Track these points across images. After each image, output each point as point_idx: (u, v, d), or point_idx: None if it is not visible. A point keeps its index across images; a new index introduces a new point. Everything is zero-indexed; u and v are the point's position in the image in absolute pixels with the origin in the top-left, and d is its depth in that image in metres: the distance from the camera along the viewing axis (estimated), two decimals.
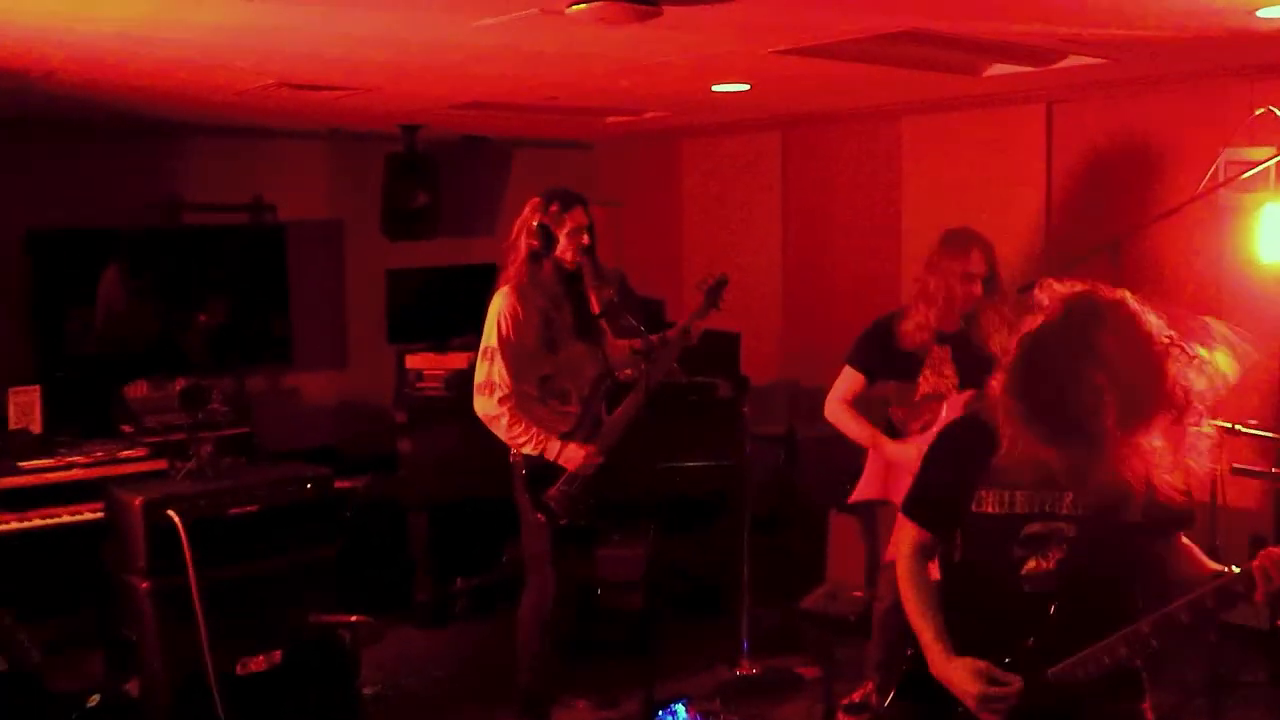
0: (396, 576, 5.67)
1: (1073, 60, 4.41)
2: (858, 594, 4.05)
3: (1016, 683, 2.35)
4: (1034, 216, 5.67)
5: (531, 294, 4.17)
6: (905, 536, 2.61)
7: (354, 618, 4.24)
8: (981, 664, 2.37)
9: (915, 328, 4.13)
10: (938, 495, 2.55)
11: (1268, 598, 2.20)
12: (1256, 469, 3.58)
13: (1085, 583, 2.36)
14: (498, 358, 4.12)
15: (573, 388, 4.29)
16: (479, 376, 4.16)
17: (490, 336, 4.15)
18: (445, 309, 6.59)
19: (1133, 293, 2.32)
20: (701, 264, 7.33)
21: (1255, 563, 2.19)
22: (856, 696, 4.43)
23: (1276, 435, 3.66)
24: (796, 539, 6.06)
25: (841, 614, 4.03)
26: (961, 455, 2.48)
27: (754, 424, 5.66)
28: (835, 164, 6.68)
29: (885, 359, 4.23)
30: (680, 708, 4.61)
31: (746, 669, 5.06)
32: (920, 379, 4.16)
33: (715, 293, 4.38)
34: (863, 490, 4.27)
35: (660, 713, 4.49)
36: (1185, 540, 2.45)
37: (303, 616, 4.12)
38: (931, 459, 2.61)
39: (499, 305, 4.16)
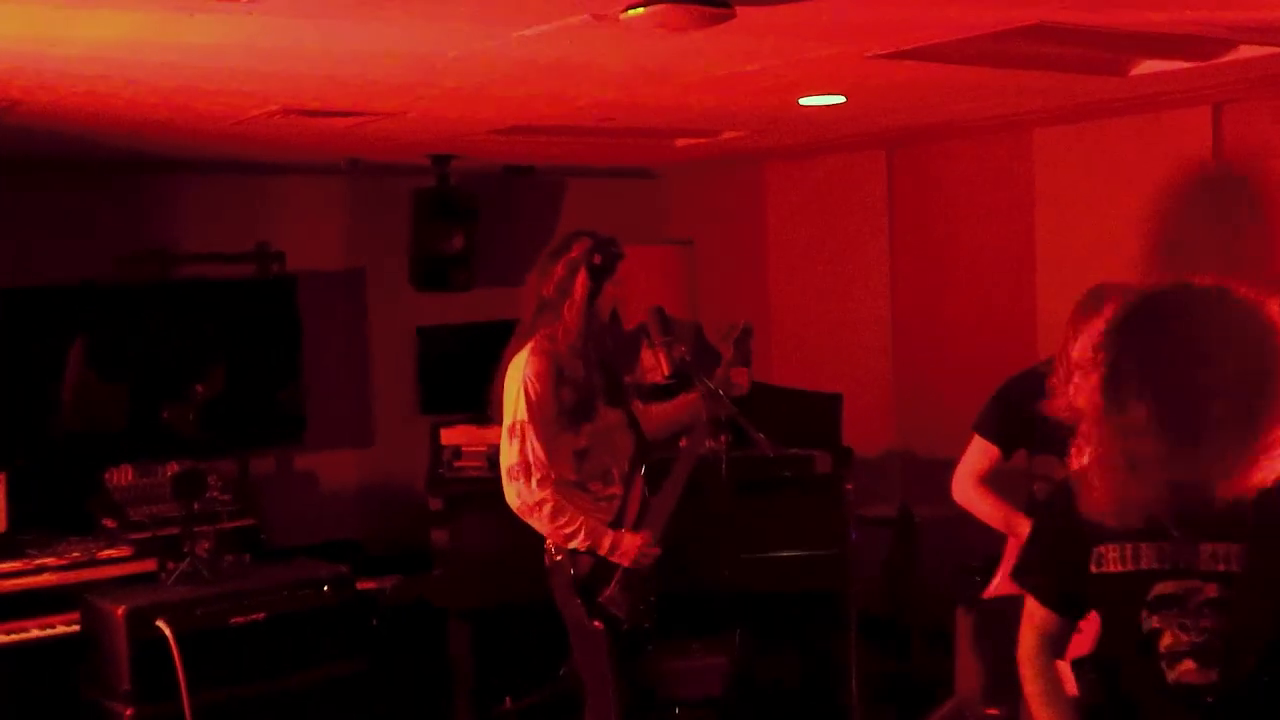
0: (434, 695, 5.67)
1: (1244, 51, 4.35)
2: (992, 711, 3.96)
3: None
4: (1197, 239, 5.58)
5: (564, 355, 4.17)
6: (1026, 624, 2.57)
7: None
8: None
9: (1063, 397, 4.06)
10: (1055, 558, 2.51)
11: None
12: None
13: (1244, 663, 2.27)
14: (529, 433, 4.10)
15: (613, 465, 4.30)
16: (509, 459, 4.14)
17: (519, 409, 4.12)
18: (487, 373, 6.61)
19: None
20: (792, 313, 7.31)
21: None
22: None
23: None
24: (916, 645, 5.97)
25: None
26: (1074, 511, 2.43)
27: (860, 504, 5.60)
28: (952, 187, 6.65)
29: (1025, 427, 4.14)
30: None
31: None
32: (1072, 450, 4.08)
33: (742, 343, 4.39)
34: (1000, 584, 4.19)
35: None
36: None
37: None
38: (1041, 519, 2.61)
39: (525, 369, 4.14)
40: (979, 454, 4.25)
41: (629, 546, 4.16)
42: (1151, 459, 2.22)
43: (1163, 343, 2.23)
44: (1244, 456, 2.18)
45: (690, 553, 4.25)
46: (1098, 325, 3.83)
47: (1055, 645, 2.56)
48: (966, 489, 4.25)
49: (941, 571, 5.87)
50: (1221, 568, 2.31)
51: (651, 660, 4.44)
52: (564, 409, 4.18)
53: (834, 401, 6.15)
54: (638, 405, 4.46)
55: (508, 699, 5.78)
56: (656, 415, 4.47)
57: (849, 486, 5.39)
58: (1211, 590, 2.31)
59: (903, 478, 6.71)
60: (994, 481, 4.24)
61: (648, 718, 4.66)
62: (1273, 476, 2.22)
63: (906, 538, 6.19)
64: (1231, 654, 2.30)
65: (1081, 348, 3.51)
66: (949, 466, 4.34)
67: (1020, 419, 4.15)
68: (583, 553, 4.16)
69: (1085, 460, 2.38)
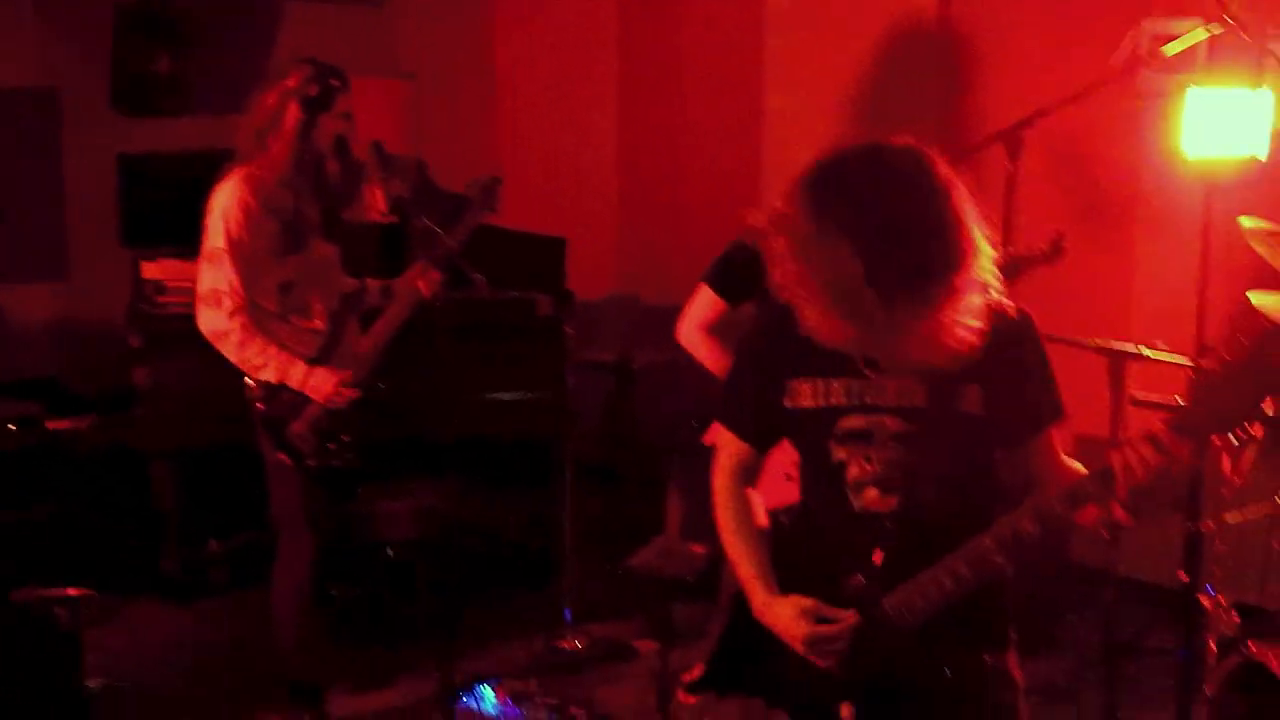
0: (137, 541, 5.50)
1: None
2: (698, 549, 4.04)
3: (849, 620, 2.38)
4: (923, 103, 5.69)
5: (269, 185, 4.06)
6: (721, 454, 2.63)
7: (74, 591, 4.09)
8: (808, 602, 2.41)
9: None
10: (752, 391, 2.56)
11: (1130, 498, 2.23)
12: (1159, 401, 3.63)
13: (923, 493, 2.39)
14: (226, 261, 4.03)
15: (319, 301, 4.19)
16: (203, 285, 4.08)
17: (216, 236, 4.05)
18: (196, 205, 6.31)
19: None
20: (518, 153, 7.20)
21: (1114, 454, 2.22)
22: (699, 671, 4.45)
23: (1187, 360, 3.72)
24: (632, 490, 6.06)
25: (678, 574, 4.02)
26: (771, 348, 2.51)
27: (580, 349, 5.59)
28: (683, 32, 6.60)
29: (751, 283, 4.19)
30: (487, 690, 4.60)
31: (569, 643, 5.08)
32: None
33: (490, 193, 4.32)
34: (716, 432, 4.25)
35: (462, 696, 4.47)
36: (1055, 447, 2.46)
37: (3, 593, 3.93)
38: (740, 355, 2.65)
39: (226, 198, 4.05)
40: (707, 305, 4.28)
41: (323, 383, 4.08)
42: (844, 304, 2.25)
43: (852, 193, 2.25)
44: (931, 300, 2.23)
45: (405, 396, 4.18)
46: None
47: (747, 475, 2.63)
48: (693, 336, 4.29)
49: (659, 418, 5.96)
50: (906, 403, 2.40)
51: (361, 502, 4.40)
52: (268, 240, 4.07)
53: (557, 245, 6.10)
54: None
55: (213, 543, 5.64)
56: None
57: (569, 331, 5.36)
58: (896, 425, 2.40)
59: (624, 324, 6.74)
60: (720, 332, 4.28)
61: (349, 559, 4.63)
62: (965, 318, 2.28)
63: (624, 384, 6.24)
64: (910, 484, 2.40)
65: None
66: (671, 314, 4.35)
67: (749, 273, 4.20)
68: (276, 386, 4.07)
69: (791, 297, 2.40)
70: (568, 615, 5.17)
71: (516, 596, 5.49)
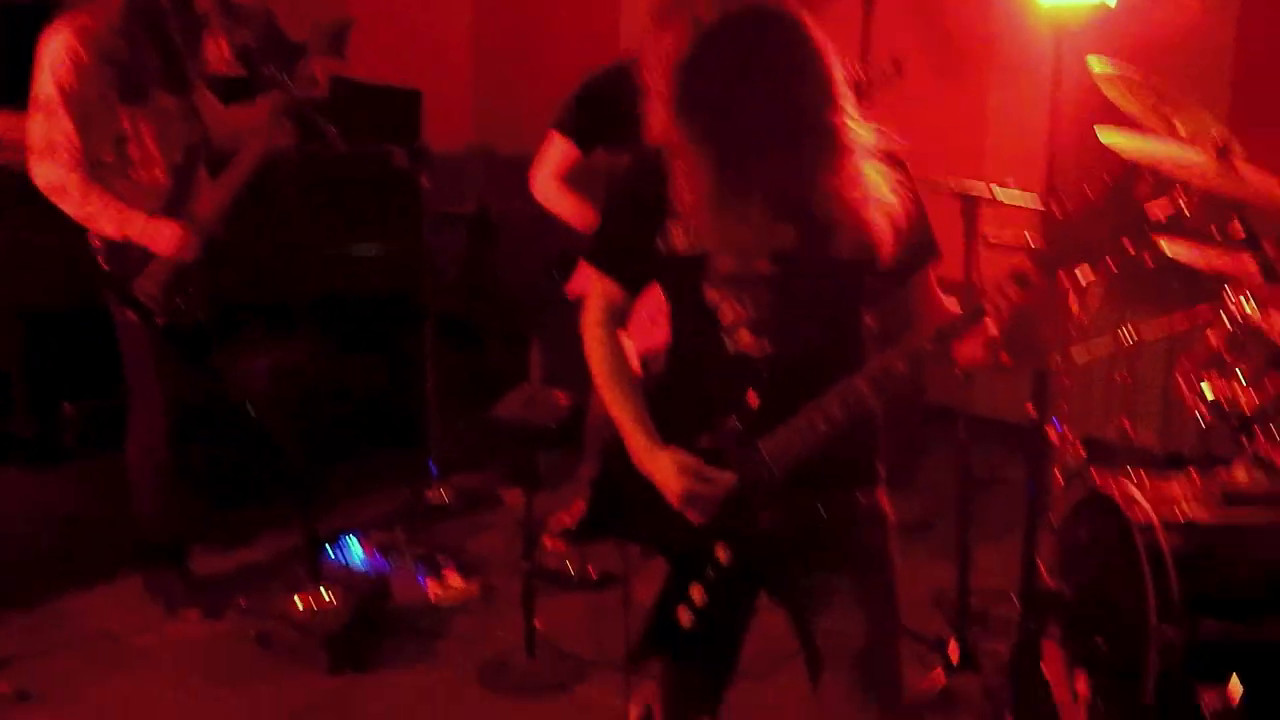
0: None
1: None
2: (561, 397, 4.04)
3: (726, 481, 2.41)
4: None
5: (101, 33, 3.90)
6: (592, 298, 2.61)
7: None
8: (690, 460, 2.41)
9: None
10: (626, 235, 2.54)
11: (1004, 336, 2.28)
12: (1011, 241, 3.70)
13: (795, 335, 2.41)
14: (59, 111, 3.88)
15: (161, 154, 4.05)
16: (35, 136, 3.92)
17: (46, 85, 3.89)
18: (26, 58, 6.03)
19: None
20: (369, 2, 6.98)
21: (983, 292, 2.25)
22: (567, 519, 4.50)
23: (1037, 201, 3.78)
24: (494, 343, 6.04)
25: (542, 422, 4.03)
26: (645, 192, 2.48)
27: (437, 202, 5.51)
28: None
29: (605, 124, 4.12)
30: (353, 541, 4.61)
31: (435, 495, 5.12)
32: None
33: (338, 37, 4.18)
34: (581, 281, 4.23)
35: (328, 550, 4.48)
36: (932, 286, 2.50)
37: None
38: (613, 199, 2.64)
39: (54, 47, 3.89)
40: (558, 152, 4.22)
41: (166, 235, 3.96)
42: (731, 170, 2.27)
43: (732, 60, 2.24)
44: (816, 163, 2.26)
45: (257, 252, 4.08)
46: (667, 43, 3.83)
47: (618, 319, 2.61)
48: (545, 186, 4.23)
49: (519, 270, 5.92)
50: (779, 246, 2.39)
51: (218, 361, 4.30)
52: (102, 89, 3.91)
53: (412, 97, 5.98)
54: (211, 102, 4.19)
55: (66, 405, 5.49)
56: (230, 117, 4.20)
57: (425, 184, 5.27)
58: (768, 268, 2.40)
59: (482, 175, 6.65)
60: (575, 180, 4.23)
61: (209, 419, 4.55)
62: (844, 199, 2.30)
63: (484, 236, 6.17)
64: (783, 327, 2.40)
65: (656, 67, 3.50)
66: (528, 164, 4.29)
67: (600, 117, 4.14)
68: (120, 242, 3.95)
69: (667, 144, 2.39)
70: (433, 468, 5.18)
71: (381, 452, 5.47)
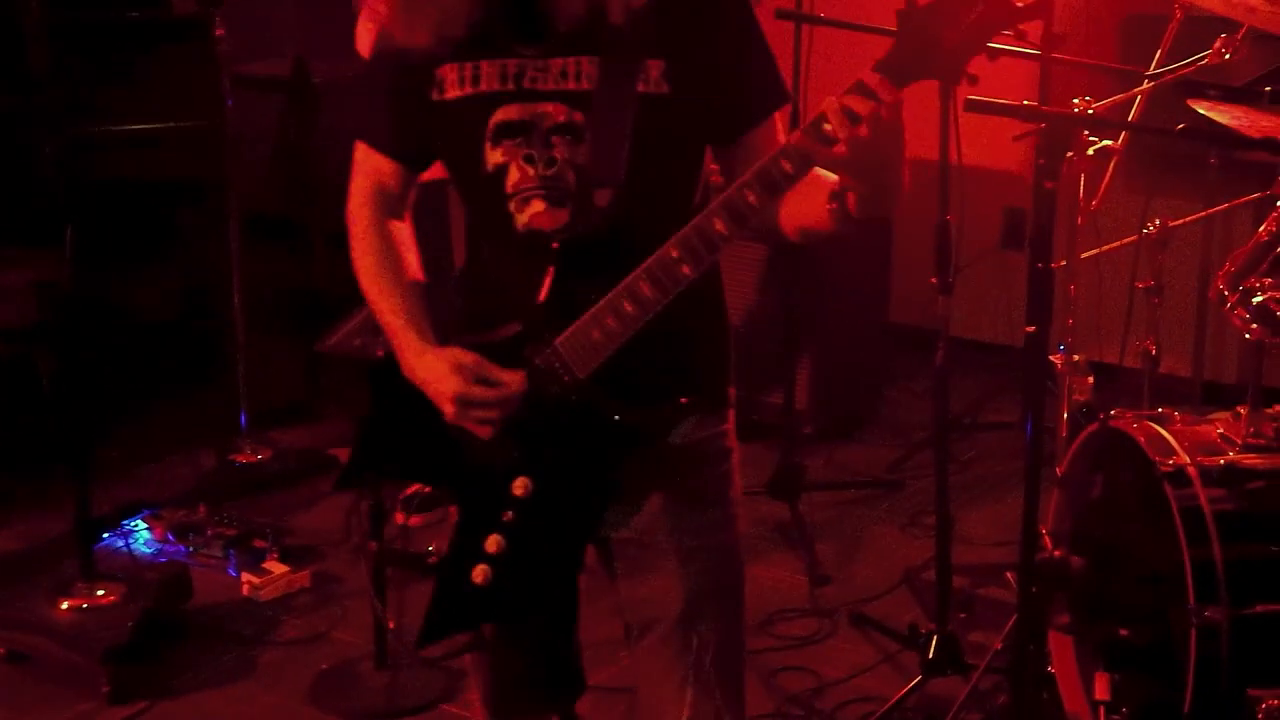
0: None
1: None
2: None
3: (513, 383, 2.39)
4: None
5: None
6: (357, 176, 2.60)
7: None
8: (469, 356, 2.40)
9: None
10: (392, 88, 2.52)
11: (853, 154, 2.24)
12: (1002, 102, 3.66)
13: (596, 199, 2.39)
14: None
15: None
16: None
17: None
18: None
19: None
20: None
21: (828, 103, 2.20)
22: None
23: (1039, 54, 3.77)
24: (319, 247, 5.98)
25: (390, 354, 3.98)
26: (414, 24, 2.43)
27: (240, 59, 5.42)
28: None
29: None
30: (140, 525, 4.56)
31: (248, 455, 5.09)
32: None
33: None
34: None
35: (106, 535, 4.43)
36: (780, 138, 2.44)
37: None
38: (377, 42, 2.56)
39: None
40: None
41: None
42: None
43: None
44: None
45: None
46: None
47: (392, 202, 2.59)
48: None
49: (350, 149, 5.83)
50: (574, 86, 2.38)
51: None
52: None
53: None
54: None
55: None
56: None
57: (221, 34, 5.17)
58: (562, 113, 2.39)
59: (297, 24, 6.56)
60: None
61: None
62: None
63: (304, 106, 6.09)
64: (583, 190, 2.39)
65: None
66: (361, 7, 4.22)
67: None
68: None
69: None
70: (244, 419, 5.14)
71: (176, 396, 5.41)
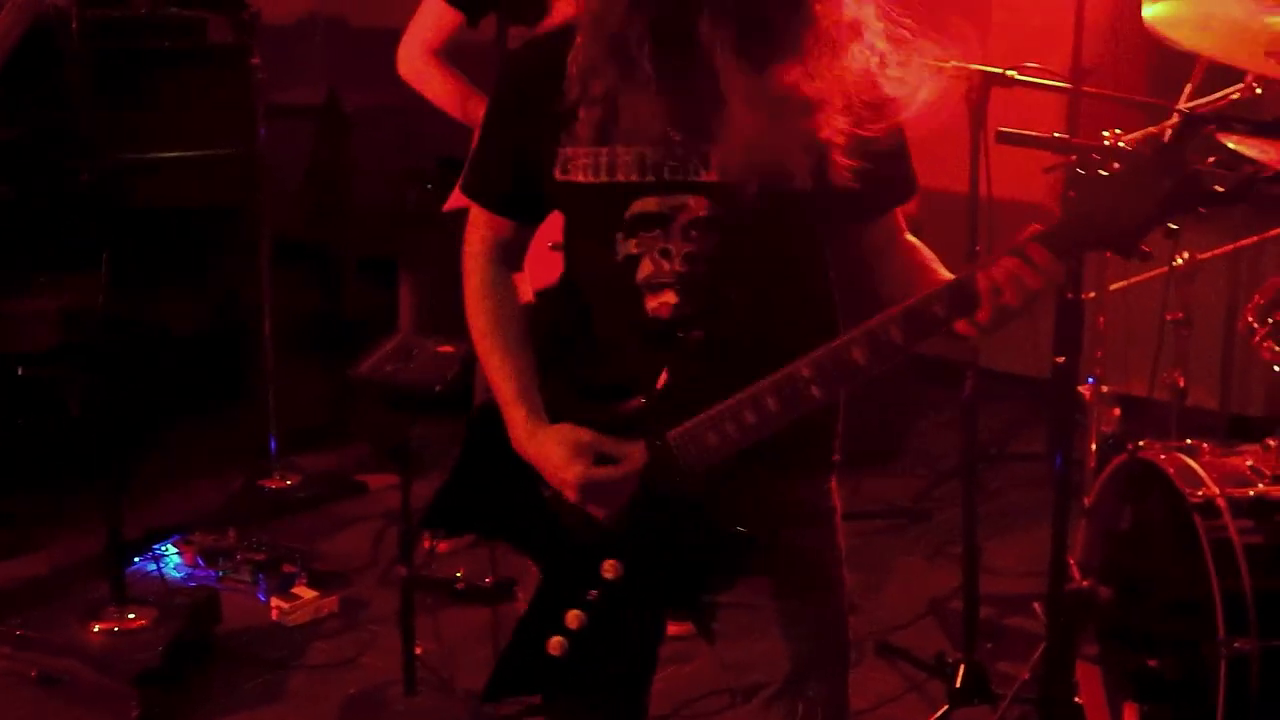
0: None
1: None
2: (445, 349, 4.01)
3: (636, 461, 2.37)
4: None
5: None
6: (473, 229, 2.58)
7: None
8: (586, 434, 2.38)
9: None
10: (509, 153, 2.50)
11: (993, 319, 2.25)
12: (1034, 134, 3.68)
13: (732, 298, 2.37)
14: None
15: None
16: None
17: None
18: None
19: None
20: None
21: (980, 270, 2.23)
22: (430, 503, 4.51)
23: (1070, 86, 3.79)
24: (348, 275, 6.02)
25: (419, 382, 3.99)
26: (539, 90, 2.42)
27: (274, 88, 5.46)
28: None
29: None
30: (170, 549, 4.58)
31: (277, 480, 5.10)
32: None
33: None
34: (459, 195, 4.22)
35: (137, 559, 4.44)
36: (908, 238, 2.48)
37: None
38: (497, 101, 2.56)
39: None
40: (435, 18, 4.21)
41: None
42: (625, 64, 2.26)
43: None
44: (756, 81, 2.23)
45: (31, 147, 4.00)
46: None
47: (509, 257, 2.57)
48: (417, 62, 4.22)
49: (381, 177, 5.88)
50: (720, 178, 2.34)
51: None
52: None
53: None
54: None
55: None
56: None
57: (256, 63, 5.22)
58: (703, 207, 2.36)
59: (330, 54, 6.61)
60: (454, 56, 4.22)
61: None
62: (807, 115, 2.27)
63: (335, 134, 6.13)
64: (716, 285, 2.37)
65: None
66: (389, 39, 4.28)
67: None
68: None
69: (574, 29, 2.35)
70: (273, 443, 5.16)
71: (206, 420, 5.44)
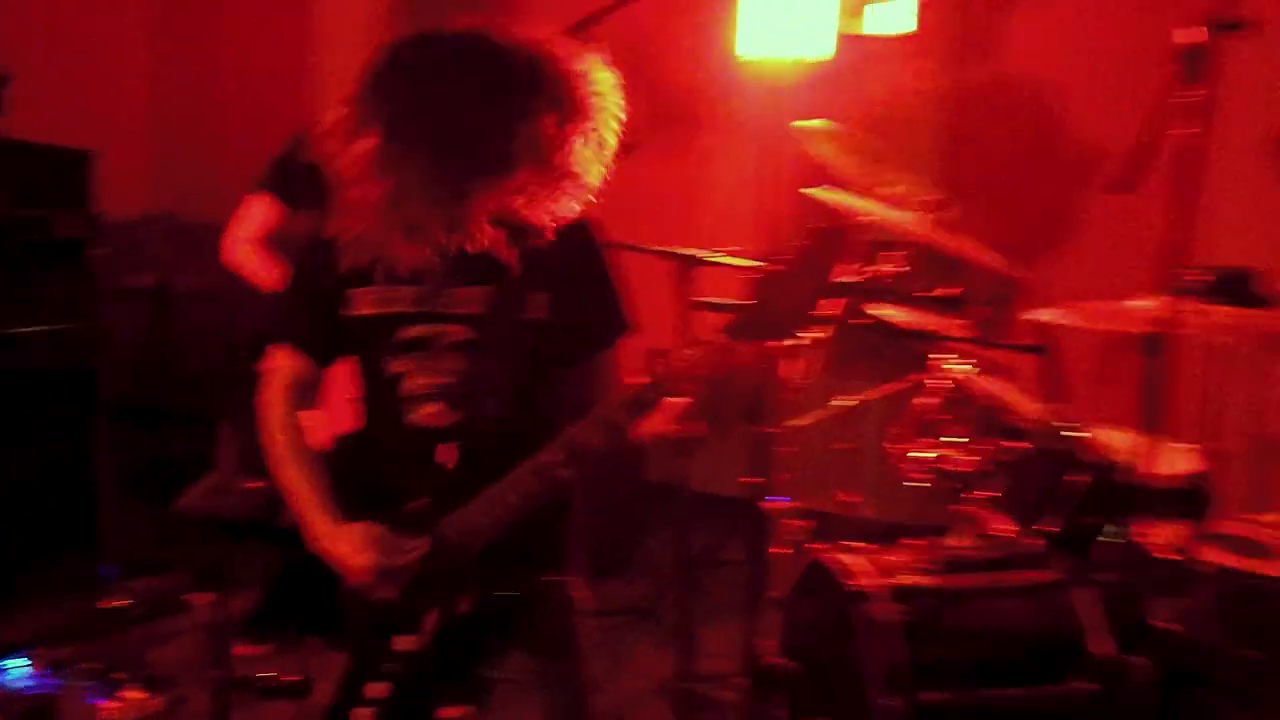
0: None
1: None
2: (254, 485, 4.01)
3: (419, 548, 2.45)
4: None
5: None
6: (272, 374, 2.64)
7: None
8: (375, 529, 2.46)
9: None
10: (307, 301, 2.59)
11: (694, 404, 2.40)
12: (722, 302, 3.79)
13: (483, 404, 2.48)
14: None
15: None
16: None
17: None
18: None
19: None
20: (32, 56, 6.84)
21: (672, 359, 2.36)
22: (248, 615, 4.46)
23: (751, 263, 3.93)
24: (178, 428, 5.94)
25: (232, 513, 3.98)
26: (333, 253, 2.53)
27: (114, 275, 5.42)
28: None
29: (314, 188, 4.15)
30: (18, 661, 4.44)
31: (113, 601, 4.96)
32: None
33: None
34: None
35: None
36: (619, 360, 2.62)
37: None
38: (299, 263, 2.67)
39: None
40: (260, 214, 4.19)
41: None
42: (399, 208, 2.34)
43: (408, 93, 2.34)
44: (483, 204, 2.36)
45: None
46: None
47: (303, 394, 2.64)
48: (245, 251, 4.22)
49: (205, 347, 5.84)
50: (471, 310, 2.47)
51: None
52: None
53: (81, 158, 5.84)
54: None
55: None
56: None
57: (98, 254, 5.18)
58: (458, 333, 2.48)
59: (163, 245, 6.55)
60: (277, 245, 4.23)
61: None
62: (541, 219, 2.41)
63: (164, 311, 6.08)
64: (472, 396, 2.48)
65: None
66: (212, 232, 4.28)
67: (308, 178, 4.16)
68: None
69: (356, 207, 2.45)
70: (110, 571, 5.04)
71: (50, 555, 5.29)
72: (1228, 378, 4.04)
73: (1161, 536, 3.35)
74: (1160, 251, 2.69)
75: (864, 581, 3.34)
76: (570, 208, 2.44)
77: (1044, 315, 3.59)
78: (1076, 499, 3.34)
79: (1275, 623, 3.32)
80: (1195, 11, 2.64)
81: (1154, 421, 2.82)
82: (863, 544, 3.56)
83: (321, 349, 2.62)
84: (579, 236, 2.51)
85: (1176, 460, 3.63)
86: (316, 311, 2.56)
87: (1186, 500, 3.48)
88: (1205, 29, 2.58)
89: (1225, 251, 4.33)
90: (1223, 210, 4.68)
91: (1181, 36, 2.62)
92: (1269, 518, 3.70)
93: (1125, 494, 3.14)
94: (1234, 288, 3.79)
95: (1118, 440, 3.32)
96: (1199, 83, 2.58)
